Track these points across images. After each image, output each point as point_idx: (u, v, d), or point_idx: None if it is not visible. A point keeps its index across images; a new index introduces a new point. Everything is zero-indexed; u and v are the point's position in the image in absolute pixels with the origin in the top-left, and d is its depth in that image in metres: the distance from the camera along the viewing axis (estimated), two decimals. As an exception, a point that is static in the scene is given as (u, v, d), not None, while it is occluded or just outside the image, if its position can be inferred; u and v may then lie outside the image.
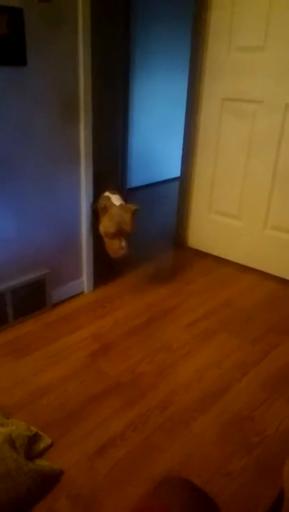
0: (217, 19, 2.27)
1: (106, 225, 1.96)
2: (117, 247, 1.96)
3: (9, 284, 1.83)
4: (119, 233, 1.94)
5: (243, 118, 2.30)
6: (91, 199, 2.05)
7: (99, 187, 2.11)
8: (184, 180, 2.70)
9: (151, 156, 3.93)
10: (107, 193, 2.06)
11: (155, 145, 3.92)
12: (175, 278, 2.43)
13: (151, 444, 1.35)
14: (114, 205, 1.99)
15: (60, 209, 1.95)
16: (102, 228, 1.98)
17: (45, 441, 1.32)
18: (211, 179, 2.54)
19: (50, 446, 1.32)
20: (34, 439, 1.30)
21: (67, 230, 2.02)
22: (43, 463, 1.24)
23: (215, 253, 2.66)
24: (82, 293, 2.20)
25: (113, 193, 2.05)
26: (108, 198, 2.02)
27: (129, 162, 3.74)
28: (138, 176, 3.87)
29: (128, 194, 3.77)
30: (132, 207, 2.01)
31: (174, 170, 3.44)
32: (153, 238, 2.98)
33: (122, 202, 2.03)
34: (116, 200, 2.02)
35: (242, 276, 2.45)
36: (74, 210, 2.01)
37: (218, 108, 2.38)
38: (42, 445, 1.30)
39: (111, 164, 3.54)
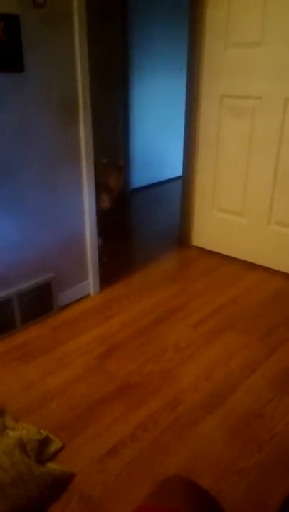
0: (213, 16, 2.26)
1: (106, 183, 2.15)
2: (99, 201, 2.14)
3: (15, 289, 1.84)
4: (102, 188, 2.12)
5: (242, 115, 2.30)
6: (94, 200, 2.06)
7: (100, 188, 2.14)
8: (186, 179, 2.70)
9: (153, 156, 3.94)
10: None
11: (156, 145, 3.92)
12: (180, 277, 2.43)
13: (161, 445, 1.35)
14: (101, 161, 2.18)
15: (63, 212, 1.96)
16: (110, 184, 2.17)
17: (56, 444, 1.33)
18: (213, 177, 2.54)
19: (61, 448, 1.33)
20: (45, 442, 1.31)
21: (71, 232, 2.03)
22: (54, 466, 1.25)
23: (220, 251, 2.66)
24: (88, 295, 2.21)
25: (104, 159, 2.24)
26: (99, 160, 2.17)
27: (130, 163, 3.75)
28: (140, 176, 3.88)
29: (131, 195, 3.78)
30: (118, 163, 2.23)
31: (176, 169, 3.44)
32: (157, 238, 2.98)
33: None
34: (104, 160, 2.22)
35: (248, 274, 2.44)
36: (77, 213, 2.02)
37: (217, 105, 2.38)
38: (53, 448, 1.31)
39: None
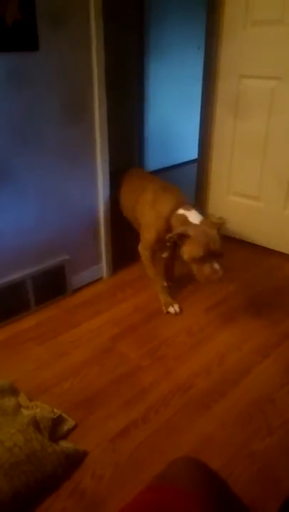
0: (233, -7, 2.19)
1: (191, 250, 1.63)
2: (208, 272, 1.62)
3: (29, 271, 1.85)
4: (209, 256, 1.61)
5: (261, 95, 2.23)
6: (108, 185, 2.04)
7: (117, 174, 2.11)
8: (202, 162, 2.66)
9: (169, 139, 3.88)
10: (181, 211, 1.73)
11: (172, 126, 3.86)
12: (194, 261, 2.40)
13: (173, 427, 1.37)
14: (194, 224, 1.67)
15: (78, 196, 1.95)
16: (186, 255, 1.66)
17: (69, 423, 1.35)
18: (230, 160, 2.49)
19: (74, 428, 1.35)
20: (58, 421, 1.33)
21: (85, 216, 2.03)
22: (67, 444, 1.27)
23: (235, 236, 2.62)
24: (101, 278, 2.21)
25: (188, 209, 1.73)
26: (184, 218, 1.70)
27: (146, 145, 3.70)
28: (155, 159, 3.83)
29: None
30: (217, 220, 1.70)
31: (192, 151, 3.37)
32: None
33: (201, 217, 1.71)
34: (194, 217, 1.70)
35: (263, 259, 2.42)
36: (91, 197, 2.01)
37: (235, 85, 2.32)
38: (66, 427, 1.33)
39: (128, 148, 3.52)
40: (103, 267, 2.20)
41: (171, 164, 3.98)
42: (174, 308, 1.93)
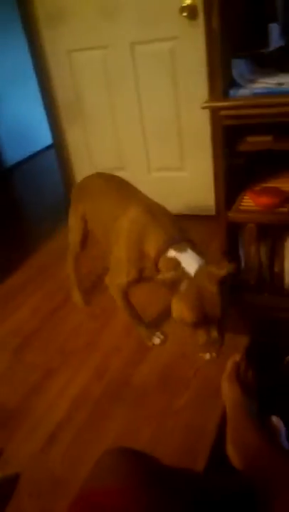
0: None
1: (181, 312, 1.20)
2: (202, 341, 1.20)
3: None
4: (203, 320, 1.19)
5: (94, 66, 2.22)
6: None
7: None
8: (59, 147, 2.60)
9: (20, 127, 3.68)
10: (171, 252, 1.25)
11: (21, 116, 3.67)
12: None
13: (98, 416, 1.37)
14: (188, 274, 1.19)
15: None
16: (174, 314, 1.23)
17: (-8, 452, 1.28)
18: (85, 138, 2.47)
19: (0, 453, 1.28)
20: (-21, 455, 1.25)
21: None
22: (-6, 475, 1.21)
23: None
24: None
25: (181, 251, 1.24)
26: (175, 263, 1.23)
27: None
28: (12, 152, 3.64)
29: (5, 176, 3.55)
30: (217, 271, 1.19)
31: (47, 136, 3.26)
32: (47, 214, 2.82)
33: (200, 262, 1.22)
34: (190, 261, 1.22)
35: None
36: None
37: (66, 62, 2.27)
38: (-10, 457, 1.26)
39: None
40: (-14, 279, 2.07)
41: (31, 153, 3.82)
42: (158, 338, 1.63)
